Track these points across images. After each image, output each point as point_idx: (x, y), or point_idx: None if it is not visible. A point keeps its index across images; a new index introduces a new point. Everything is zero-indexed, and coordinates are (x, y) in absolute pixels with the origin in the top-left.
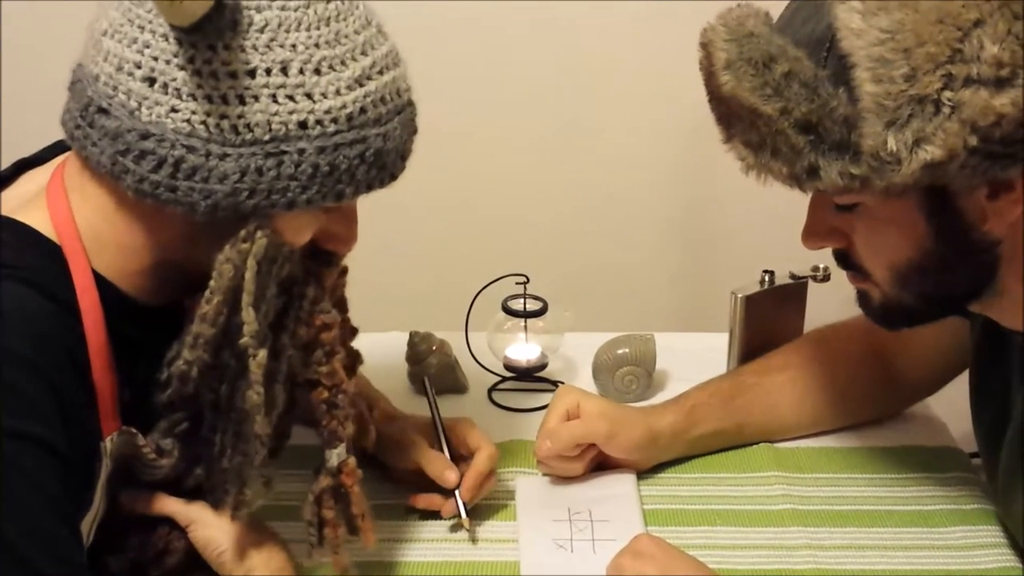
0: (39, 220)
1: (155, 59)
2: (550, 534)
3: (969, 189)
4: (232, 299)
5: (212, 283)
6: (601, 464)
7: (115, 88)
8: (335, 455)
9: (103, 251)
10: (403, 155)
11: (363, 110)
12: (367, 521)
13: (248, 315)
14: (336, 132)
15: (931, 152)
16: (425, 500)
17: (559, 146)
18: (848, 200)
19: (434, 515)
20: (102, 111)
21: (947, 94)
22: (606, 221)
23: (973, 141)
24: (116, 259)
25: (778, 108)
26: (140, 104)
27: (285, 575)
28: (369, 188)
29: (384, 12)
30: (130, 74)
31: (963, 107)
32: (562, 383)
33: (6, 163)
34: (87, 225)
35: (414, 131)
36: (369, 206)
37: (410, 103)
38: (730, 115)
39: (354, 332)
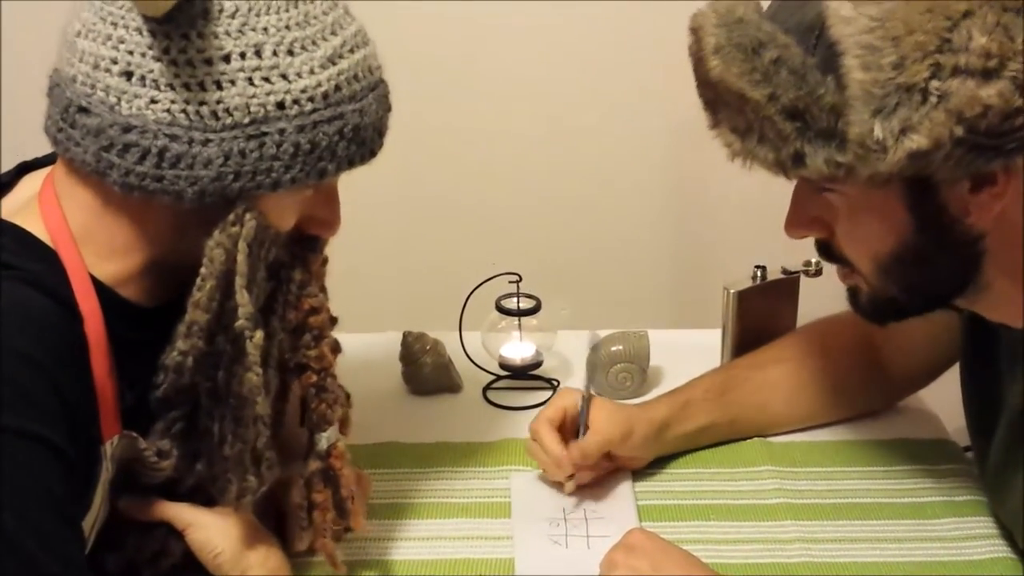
0: (34, 227)
1: (131, 53)
2: (545, 531)
3: (952, 181)
4: (224, 283)
5: (203, 270)
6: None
7: (93, 86)
8: (324, 438)
9: (97, 255)
10: (380, 131)
11: (338, 87)
12: (356, 504)
13: (243, 297)
14: (313, 110)
15: (917, 141)
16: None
17: (549, 144)
18: (833, 187)
19: (427, 513)
20: (82, 110)
21: (934, 83)
22: (598, 219)
23: (959, 131)
24: (111, 262)
25: (766, 94)
26: (119, 99)
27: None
28: (351, 164)
29: (381, 10)
30: (107, 70)
31: (950, 97)
32: (556, 380)
33: (7, 165)
34: (80, 230)
35: (388, 108)
36: (361, 206)
37: (382, 80)
38: (717, 100)
39: (334, 321)
